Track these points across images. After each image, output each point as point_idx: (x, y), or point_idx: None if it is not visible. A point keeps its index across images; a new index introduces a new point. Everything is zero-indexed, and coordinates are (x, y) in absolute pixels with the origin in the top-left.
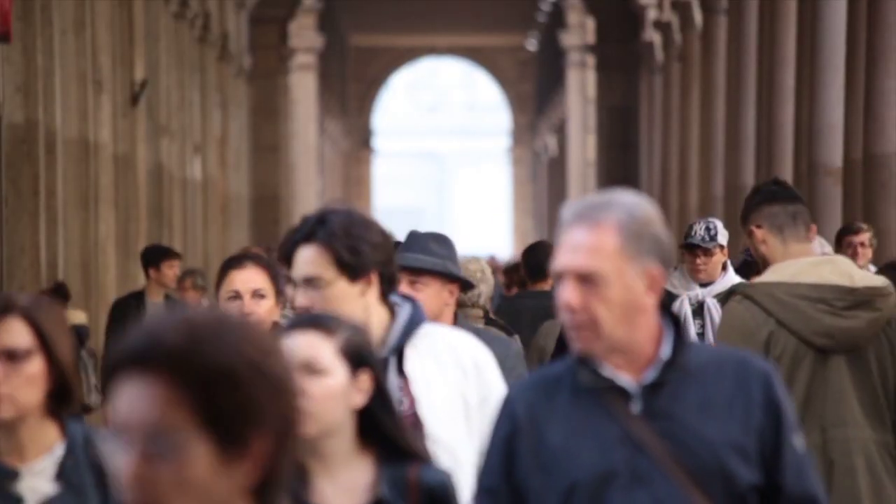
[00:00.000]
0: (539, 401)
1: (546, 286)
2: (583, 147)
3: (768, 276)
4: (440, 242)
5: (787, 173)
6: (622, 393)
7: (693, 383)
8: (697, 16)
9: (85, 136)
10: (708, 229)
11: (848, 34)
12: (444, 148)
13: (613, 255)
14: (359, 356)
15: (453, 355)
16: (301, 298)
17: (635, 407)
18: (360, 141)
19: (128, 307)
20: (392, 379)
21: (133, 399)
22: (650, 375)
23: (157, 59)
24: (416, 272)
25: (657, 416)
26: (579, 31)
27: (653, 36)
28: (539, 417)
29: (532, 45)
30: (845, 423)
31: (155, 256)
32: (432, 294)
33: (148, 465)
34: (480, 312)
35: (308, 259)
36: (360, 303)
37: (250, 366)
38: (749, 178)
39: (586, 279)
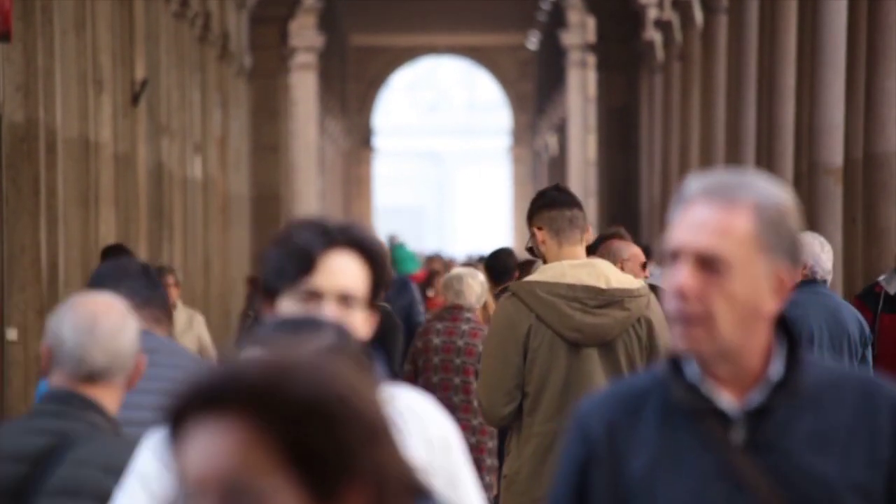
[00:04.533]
0: (620, 421)
1: None
2: (583, 146)
3: (536, 276)
4: None
5: (787, 172)
6: (721, 417)
7: (806, 410)
8: (698, 15)
9: (85, 136)
10: None
11: (848, 34)
12: (444, 147)
13: (745, 241)
14: None
15: (420, 425)
16: (332, 315)
17: (737, 436)
18: (361, 140)
19: None
20: None
21: (208, 447)
22: (756, 398)
23: (158, 58)
24: None
25: (763, 449)
26: (580, 30)
27: (653, 35)
28: (620, 442)
29: (532, 44)
30: None
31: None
32: None
33: None
34: None
35: (346, 269)
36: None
37: (340, 402)
38: None
39: (708, 264)
